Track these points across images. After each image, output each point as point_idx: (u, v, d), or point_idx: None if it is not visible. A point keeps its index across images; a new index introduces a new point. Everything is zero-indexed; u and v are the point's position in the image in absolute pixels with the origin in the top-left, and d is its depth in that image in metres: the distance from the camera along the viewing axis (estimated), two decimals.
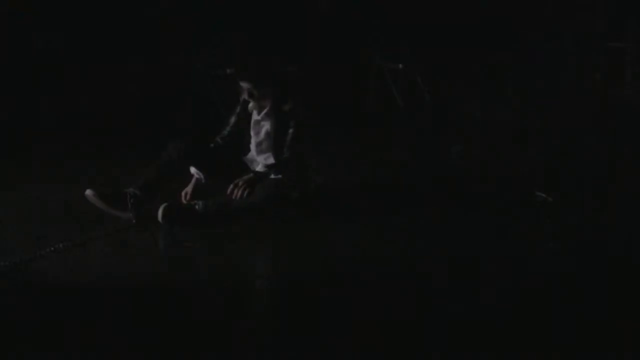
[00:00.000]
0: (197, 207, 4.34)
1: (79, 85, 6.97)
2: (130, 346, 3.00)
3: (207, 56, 7.28)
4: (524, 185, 4.96)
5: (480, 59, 7.79)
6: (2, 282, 3.62)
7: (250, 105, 4.52)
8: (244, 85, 4.46)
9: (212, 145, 4.63)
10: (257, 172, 4.49)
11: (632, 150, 6.01)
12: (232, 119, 4.64)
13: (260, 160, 4.58)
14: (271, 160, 4.53)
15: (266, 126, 4.53)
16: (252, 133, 4.58)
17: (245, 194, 4.32)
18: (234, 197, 4.33)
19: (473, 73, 7.76)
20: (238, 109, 4.62)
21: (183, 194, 4.60)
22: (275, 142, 4.50)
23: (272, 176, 4.43)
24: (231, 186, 4.34)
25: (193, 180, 4.61)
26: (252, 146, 4.61)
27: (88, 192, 4.30)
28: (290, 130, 4.46)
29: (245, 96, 4.50)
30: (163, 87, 7.23)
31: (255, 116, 4.55)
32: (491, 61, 7.84)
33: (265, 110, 4.51)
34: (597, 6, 8.07)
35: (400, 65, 7.59)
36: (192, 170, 4.59)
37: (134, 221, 4.30)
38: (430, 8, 7.66)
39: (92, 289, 3.56)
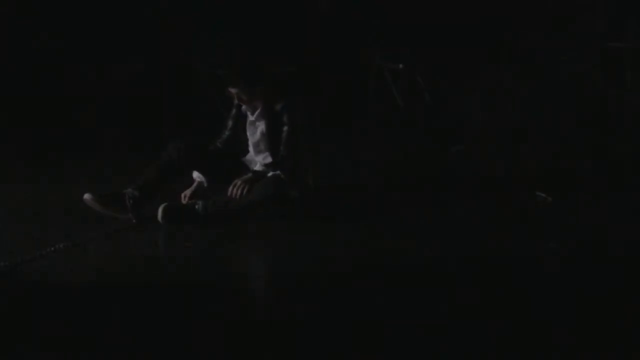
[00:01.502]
0: (197, 207, 4.35)
1: (78, 85, 6.97)
2: (130, 346, 3.00)
3: (207, 56, 7.28)
4: (524, 185, 4.96)
5: (480, 58, 7.79)
6: (2, 282, 3.63)
7: (244, 107, 4.55)
8: (232, 90, 4.48)
9: (212, 148, 4.64)
10: (256, 171, 4.50)
11: (632, 150, 6.01)
12: (230, 123, 4.66)
13: (258, 160, 4.59)
14: (269, 160, 4.54)
15: (261, 126, 4.55)
16: (248, 134, 4.60)
17: (244, 193, 4.33)
18: (233, 197, 4.34)
19: (473, 73, 7.76)
20: (234, 112, 4.64)
21: (182, 195, 4.60)
22: (270, 142, 4.52)
23: (270, 173, 4.43)
24: (230, 187, 4.35)
25: (194, 184, 4.61)
26: (250, 147, 4.63)
27: (86, 196, 4.30)
28: (285, 128, 4.48)
29: (235, 100, 4.55)
30: (163, 87, 7.23)
31: (249, 117, 4.57)
32: (491, 61, 7.84)
33: (258, 111, 4.53)
34: (597, 6, 8.07)
35: (401, 65, 7.59)
36: (195, 175, 4.60)
37: (134, 221, 4.30)
38: (430, 8, 7.66)
39: (92, 289, 3.56)
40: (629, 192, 4.87)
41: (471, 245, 4.07)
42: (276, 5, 7.54)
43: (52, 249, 3.93)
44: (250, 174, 4.44)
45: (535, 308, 3.30)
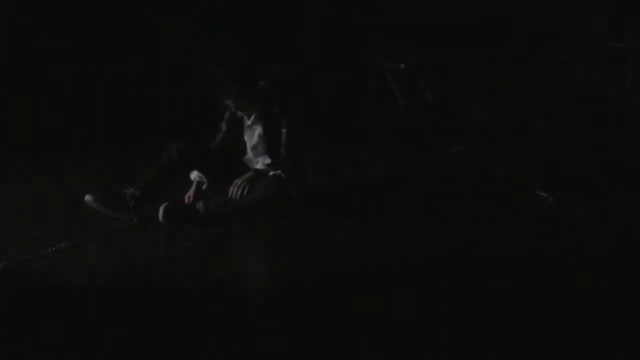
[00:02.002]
0: (197, 207, 4.35)
1: (78, 85, 6.97)
2: (130, 346, 3.00)
3: (207, 56, 7.28)
4: (524, 185, 4.96)
5: (481, 58, 7.80)
6: (2, 282, 3.63)
7: (239, 113, 4.55)
8: (228, 102, 4.50)
9: (212, 147, 4.64)
10: (257, 169, 4.50)
11: (632, 150, 6.01)
12: (224, 126, 4.65)
13: (259, 160, 4.60)
14: (268, 161, 4.55)
15: (258, 129, 4.56)
16: (245, 138, 4.61)
17: (244, 192, 4.34)
18: (233, 197, 4.34)
19: (473, 73, 7.77)
20: (227, 115, 4.63)
21: (186, 197, 4.60)
22: (268, 144, 4.53)
23: (271, 173, 4.44)
24: (231, 187, 4.36)
25: (194, 185, 4.61)
26: (248, 150, 4.64)
27: (87, 197, 4.30)
28: (283, 130, 4.48)
29: (232, 109, 4.54)
30: (162, 87, 7.23)
31: (246, 122, 4.58)
32: (491, 61, 7.84)
33: (254, 116, 4.54)
34: (597, 6, 8.08)
35: (402, 65, 7.60)
36: (193, 175, 4.60)
37: (135, 221, 4.30)
38: (431, 8, 7.66)
39: (92, 288, 3.57)
40: (629, 192, 4.87)
41: (471, 245, 4.07)
42: (276, 5, 7.54)
43: (52, 249, 3.93)
44: (251, 173, 4.44)
45: (535, 308, 3.30)
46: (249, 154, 4.65)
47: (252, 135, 4.59)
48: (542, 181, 4.98)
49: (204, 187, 4.61)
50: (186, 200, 4.58)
